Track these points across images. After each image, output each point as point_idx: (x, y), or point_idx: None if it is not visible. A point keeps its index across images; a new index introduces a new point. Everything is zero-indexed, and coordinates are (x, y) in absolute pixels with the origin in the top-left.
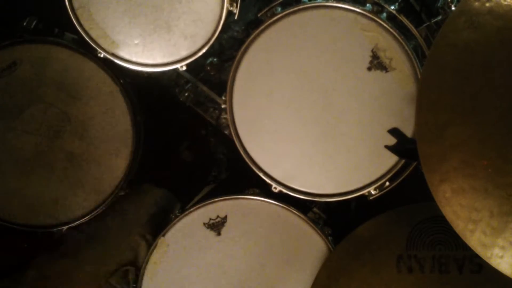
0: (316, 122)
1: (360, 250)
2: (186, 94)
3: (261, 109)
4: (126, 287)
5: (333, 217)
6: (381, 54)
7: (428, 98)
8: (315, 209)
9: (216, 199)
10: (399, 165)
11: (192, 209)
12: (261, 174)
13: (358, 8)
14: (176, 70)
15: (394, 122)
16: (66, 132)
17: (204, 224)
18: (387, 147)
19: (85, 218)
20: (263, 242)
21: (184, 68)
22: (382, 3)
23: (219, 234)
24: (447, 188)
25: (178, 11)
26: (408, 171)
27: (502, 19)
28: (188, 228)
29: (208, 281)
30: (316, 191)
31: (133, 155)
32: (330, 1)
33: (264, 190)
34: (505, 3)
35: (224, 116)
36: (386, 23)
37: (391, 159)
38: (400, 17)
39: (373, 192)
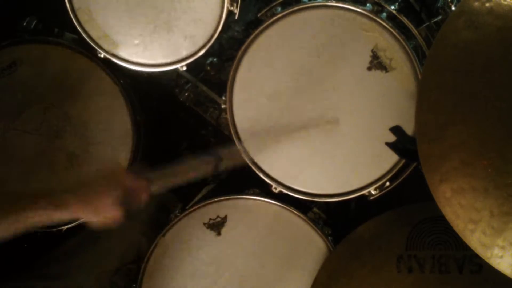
0: (316, 122)
1: (360, 250)
2: (186, 94)
3: (261, 109)
4: (129, 286)
5: (333, 217)
6: (381, 54)
7: (428, 98)
8: (315, 209)
9: (216, 199)
10: (399, 165)
11: (192, 209)
12: (261, 174)
13: (358, 8)
14: (176, 70)
15: (394, 122)
16: (66, 132)
17: (204, 224)
18: (387, 144)
19: None
20: (263, 242)
21: (184, 68)
22: (382, 3)
23: (219, 234)
24: (447, 188)
25: (178, 11)
26: (408, 171)
27: (502, 19)
28: (188, 228)
29: (208, 281)
30: (316, 191)
31: (133, 155)
32: (330, 1)
33: (264, 190)
34: (505, 3)
35: (224, 116)
36: (386, 23)
37: (391, 159)
38: (400, 17)
39: (373, 192)
